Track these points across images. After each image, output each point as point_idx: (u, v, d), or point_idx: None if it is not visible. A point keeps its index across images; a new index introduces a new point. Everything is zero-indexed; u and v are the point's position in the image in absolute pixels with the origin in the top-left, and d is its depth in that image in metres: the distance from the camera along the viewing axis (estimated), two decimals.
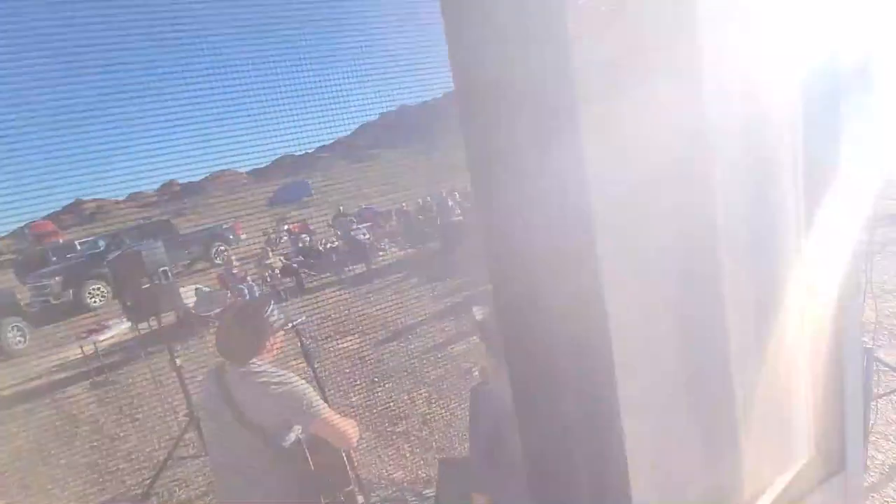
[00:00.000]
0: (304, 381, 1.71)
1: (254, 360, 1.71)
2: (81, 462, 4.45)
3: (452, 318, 6.20)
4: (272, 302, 1.82)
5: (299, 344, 2.18)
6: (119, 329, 6.75)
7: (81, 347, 6.66)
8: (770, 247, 0.60)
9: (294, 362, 3.48)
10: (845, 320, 0.66)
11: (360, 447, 3.76)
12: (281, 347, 1.84)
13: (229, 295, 8.56)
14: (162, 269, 3.52)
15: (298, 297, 8.98)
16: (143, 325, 3.25)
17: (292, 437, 1.73)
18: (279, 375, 1.67)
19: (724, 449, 0.58)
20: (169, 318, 8.75)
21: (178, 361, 3.75)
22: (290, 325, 1.86)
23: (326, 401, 2.35)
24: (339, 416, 1.71)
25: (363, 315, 7.09)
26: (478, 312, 1.75)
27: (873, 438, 2.71)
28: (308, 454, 1.70)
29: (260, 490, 1.64)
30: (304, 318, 2.45)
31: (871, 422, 2.75)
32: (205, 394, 1.77)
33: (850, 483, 0.67)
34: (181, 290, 8.18)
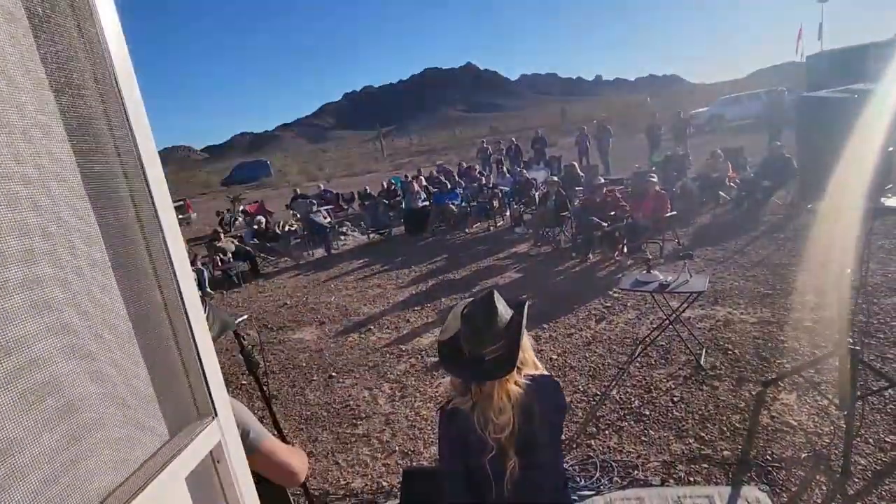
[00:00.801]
0: (239, 405, 1.36)
1: None
2: None
3: (417, 308, 5.90)
4: (205, 306, 1.42)
5: (239, 349, 1.79)
6: None
7: None
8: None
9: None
10: None
11: (316, 451, 3.43)
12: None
13: None
14: None
15: (252, 282, 8.43)
16: None
17: None
18: None
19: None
20: None
21: None
22: (226, 331, 1.46)
23: (274, 421, 2.01)
24: (283, 446, 1.38)
25: (322, 303, 6.68)
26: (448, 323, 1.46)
27: (856, 442, 2.62)
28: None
29: None
30: (245, 316, 2.06)
31: (858, 425, 2.66)
32: None
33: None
34: None
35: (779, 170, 7.47)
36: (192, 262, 8.04)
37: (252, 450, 1.27)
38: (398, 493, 2.71)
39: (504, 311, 1.38)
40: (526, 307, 1.44)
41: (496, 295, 1.41)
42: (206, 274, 8.05)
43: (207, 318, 1.35)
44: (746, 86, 38.60)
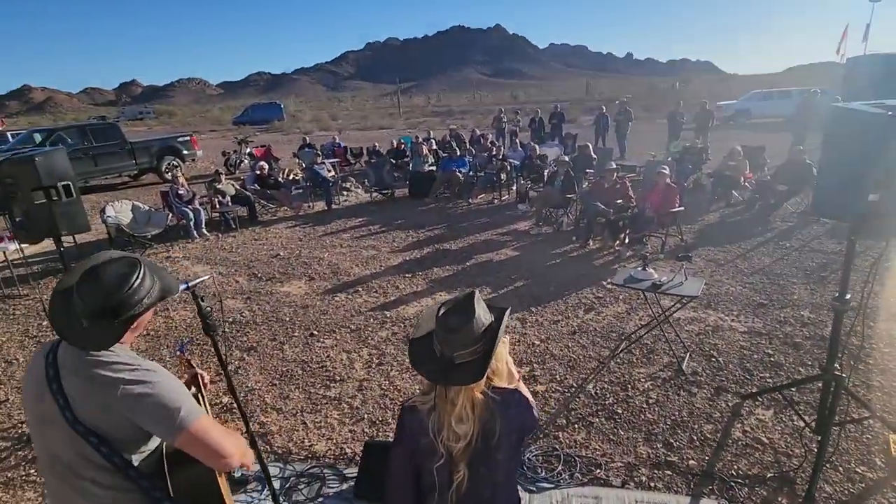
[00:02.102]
0: (171, 379, 1.28)
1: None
2: None
3: (409, 276, 5.83)
4: (141, 269, 1.27)
5: (197, 310, 1.71)
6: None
7: None
8: None
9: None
10: None
11: (285, 409, 3.43)
12: (143, 326, 1.37)
13: (170, 216, 7.85)
14: (63, 183, 2.91)
15: (249, 228, 8.36)
16: (36, 246, 2.72)
17: (146, 451, 1.32)
18: (134, 369, 1.23)
19: None
20: (97, 236, 7.99)
21: None
22: (167, 296, 1.34)
23: (230, 386, 1.95)
24: (218, 427, 1.29)
25: (314, 258, 6.62)
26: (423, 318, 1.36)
27: (825, 468, 2.58)
28: (168, 475, 1.29)
29: None
30: (206, 277, 1.96)
31: (831, 451, 2.61)
32: (29, 368, 1.31)
33: None
34: (115, 204, 7.42)
35: (797, 176, 7.22)
36: (190, 202, 7.95)
37: (180, 429, 1.20)
38: (359, 462, 2.72)
39: (483, 315, 1.28)
40: (507, 315, 1.35)
41: (477, 296, 1.31)
42: (202, 215, 7.97)
43: (144, 282, 1.25)
44: (780, 82, 37.27)
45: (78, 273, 1.25)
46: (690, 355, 3.79)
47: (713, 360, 3.73)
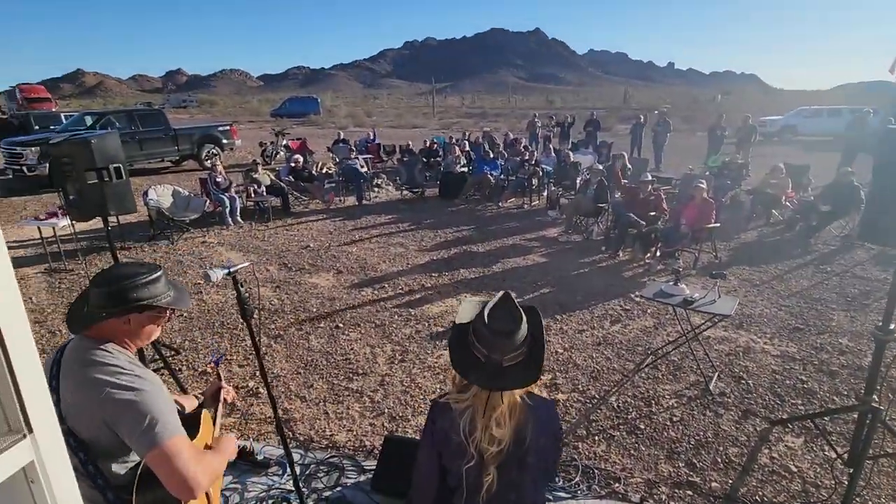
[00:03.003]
0: (159, 392, 1.27)
1: (104, 343, 1.28)
2: None
3: (435, 275, 5.86)
4: (157, 273, 1.34)
5: (236, 295, 1.78)
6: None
7: (39, 229, 6.23)
8: None
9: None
10: None
11: (309, 397, 3.50)
12: (146, 335, 1.39)
13: (207, 203, 8.10)
14: (114, 165, 3.05)
15: (281, 219, 8.55)
16: (84, 223, 2.87)
17: (129, 462, 1.28)
18: (125, 374, 1.22)
19: None
20: (138, 217, 8.31)
21: None
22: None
23: (261, 368, 1.99)
24: (193, 452, 1.22)
25: (343, 252, 6.73)
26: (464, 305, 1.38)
27: (855, 502, 2.48)
28: (135, 492, 1.25)
29: None
30: (246, 263, 2.03)
31: (862, 485, 2.51)
32: (46, 359, 1.33)
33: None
34: (158, 188, 7.70)
35: (843, 198, 6.94)
36: (227, 189, 8.19)
37: (152, 444, 1.16)
38: (377, 455, 2.76)
39: (523, 314, 1.29)
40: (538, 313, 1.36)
41: (514, 297, 1.32)
42: (238, 203, 8.20)
43: (154, 284, 1.32)
44: (829, 99, 35.86)
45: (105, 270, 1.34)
46: (719, 375, 3.70)
47: (742, 382, 3.63)
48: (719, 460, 2.85)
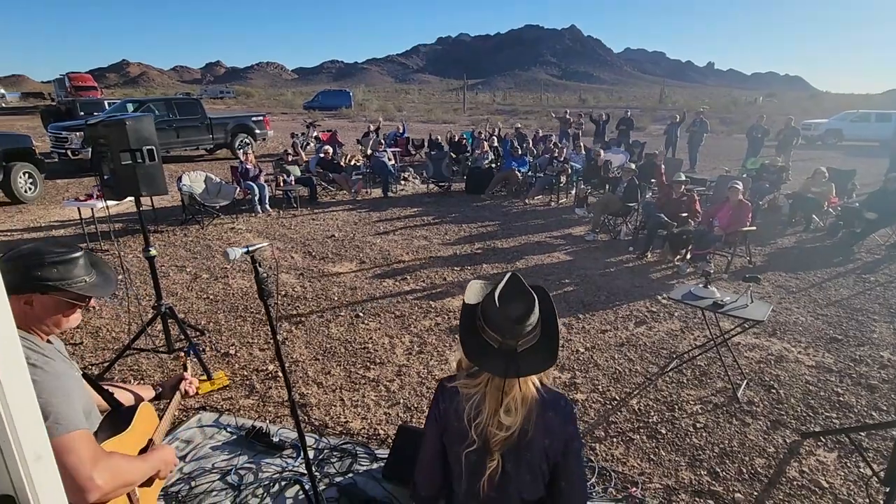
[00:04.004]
0: (60, 383, 1.17)
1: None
2: None
3: (457, 269, 5.83)
4: (72, 254, 1.22)
5: (254, 273, 1.78)
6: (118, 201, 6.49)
7: (79, 209, 6.48)
8: None
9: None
10: None
11: (326, 384, 3.52)
12: (52, 322, 1.27)
13: (238, 190, 8.27)
14: (147, 147, 3.13)
15: (308, 208, 8.66)
16: (116, 202, 2.93)
17: None
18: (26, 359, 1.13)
19: None
20: (172, 202, 8.54)
21: (152, 251, 3.46)
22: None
23: (277, 350, 1.98)
24: (92, 450, 1.12)
25: (367, 243, 6.76)
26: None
27: None
28: None
29: None
30: (266, 244, 2.04)
31: None
32: None
33: None
34: (191, 174, 7.89)
35: (890, 205, 6.57)
36: (256, 178, 8.35)
37: (51, 435, 1.04)
38: (390, 444, 2.75)
39: (536, 296, 1.24)
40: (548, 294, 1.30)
41: (521, 278, 1.27)
42: (267, 191, 8.34)
43: (64, 265, 1.20)
44: (879, 104, 34.11)
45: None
46: (748, 383, 3.55)
47: (773, 391, 3.47)
48: (744, 471, 2.73)
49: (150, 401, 1.69)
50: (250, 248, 1.79)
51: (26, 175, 8.96)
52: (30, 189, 9.04)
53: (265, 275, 1.79)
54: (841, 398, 3.41)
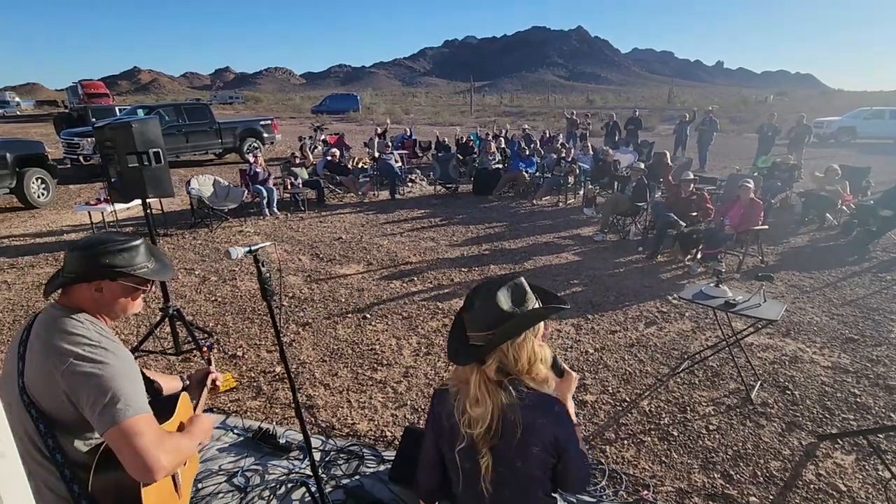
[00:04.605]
0: (127, 368, 1.20)
1: (75, 311, 1.23)
2: None
3: (465, 270, 5.80)
4: (136, 243, 1.30)
5: (257, 273, 1.77)
6: (130, 203, 6.55)
7: (90, 214, 6.54)
8: None
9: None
10: None
11: (333, 385, 3.51)
12: (119, 307, 1.33)
13: (246, 193, 8.31)
14: (153, 150, 3.14)
15: (316, 210, 8.69)
16: (123, 205, 2.96)
17: (93, 441, 1.22)
18: (93, 346, 1.16)
19: None
20: (181, 205, 8.61)
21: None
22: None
23: (281, 351, 1.98)
24: (156, 434, 1.15)
25: (374, 244, 6.76)
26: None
27: None
28: (93, 471, 1.18)
29: (30, 479, 1.18)
30: (268, 243, 2.03)
31: None
32: (19, 330, 1.29)
33: None
34: (199, 177, 7.94)
35: None
36: (265, 182, 8.38)
37: (112, 421, 1.10)
38: (397, 446, 2.72)
39: (509, 301, 1.22)
40: (546, 310, 1.28)
41: (517, 283, 1.26)
42: (275, 194, 8.37)
43: (130, 252, 1.28)
44: (893, 101, 33.58)
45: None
46: (761, 384, 3.48)
47: (788, 392, 3.40)
48: (759, 474, 2.67)
49: None
50: (252, 248, 1.77)
51: (39, 181, 9.09)
52: (42, 194, 9.16)
53: (268, 274, 1.78)
54: (858, 399, 3.32)
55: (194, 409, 1.65)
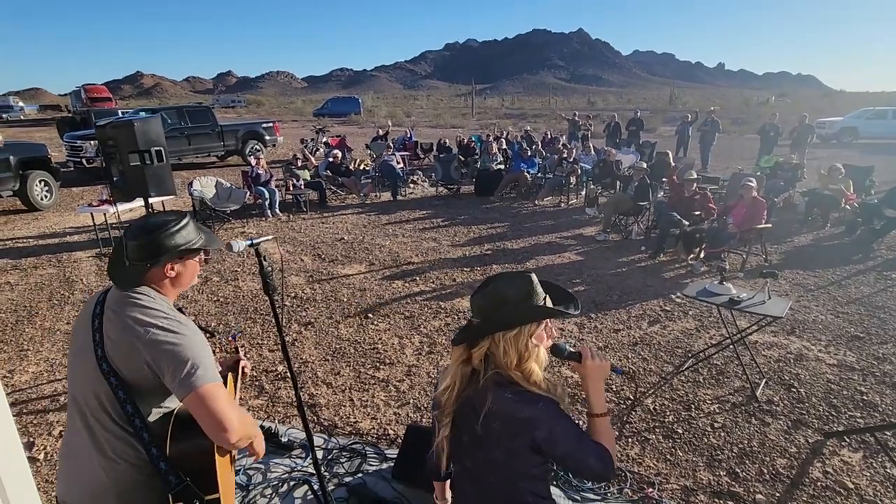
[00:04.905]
0: (200, 339, 1.29)
1: (142, 287, 1.32)
2: (63, 329, 4.37)
3: (467, 269, 5.79)
4: (185, 220, 1.38)
5: (259, 269, 1.76)
6: (132, 205, 6.55)
7: (92, 216, 6.55)
8: None
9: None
10: None
11: (335, 384, 3.50)
12: (187, 280, 1.43)
13: (248, 195, 8.32)
14: (155, 149, 3.14)
15: (318, 211, 8.69)
16: (126, 206, 2.96)
17: (163, 409, 1.32)
18: (168, 318, 1.26)
19: None
20: (183, 206, 8.62)
21: None
22: (211, 248, 1.41)
23: (283, 345, 2.00)
24: (230, 401, 1.26)
25: (376, 245, 6.75)
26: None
27: None
28: (170, 435, 1.27)
29: (94, 458, 1.26)
30: (270, 237, 2.02)
31: None
32: (84, 306, 1.38)
33: None
34: (202, 179, 7.96)
35: None
36: (267, 183, 8.39)
37: (192, 386, 1.19)
38: (400, 444, 2.71)
39: (514, 292, 1.23)
40: (546, 310, 1.27)
41: (524, 278, 1.26)
42: (277, 196, 8.38)
43: (184, 230, 1.36)
44: (895, 101, 33.46)
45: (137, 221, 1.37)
46: (767, 382, 3.45)
47: (793, 390, 3.37)
48: (765, 471, 2.64)
49: None
50: (254, 241, 1.77)
51: (42, 183, 9.12)
52: (45, 197, 9.19)
53: (270, 268, 1.77)
54: (865, 397, 3.29)
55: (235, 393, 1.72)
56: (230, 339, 1.93)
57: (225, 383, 1.70)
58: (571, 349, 1.34)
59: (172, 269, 1.35)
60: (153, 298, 1.30)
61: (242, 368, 1.78)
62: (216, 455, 1.30)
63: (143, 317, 1.24)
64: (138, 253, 1.30)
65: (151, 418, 1.29)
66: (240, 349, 1.87)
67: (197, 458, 1.28)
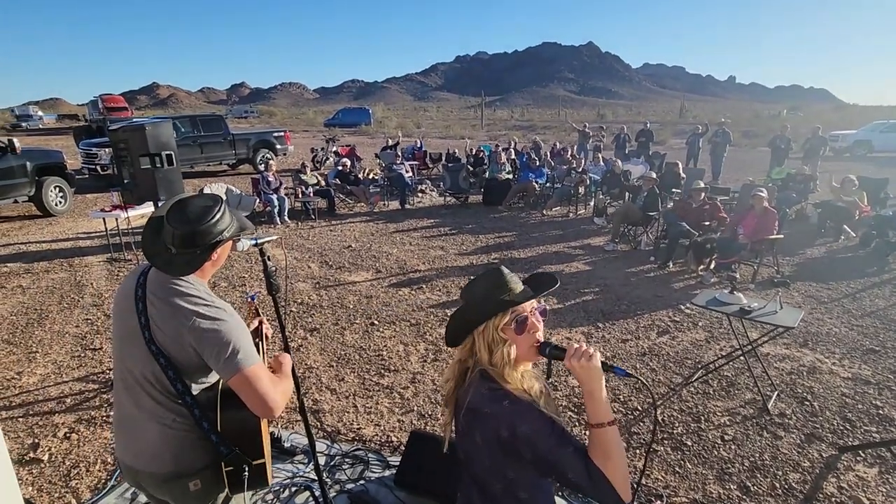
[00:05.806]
0: (239, 322, 1.36)
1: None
2: (72, 332, 4.40)
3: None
4: (222, 205, 1.41)
5: (263, 268, 1.76)
6: (144, 210, 6.63)
7: (104, 220, 6.63)
8: None
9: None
10: None
11: (339, 390, 3.48)
12: (223, 261, 1.50)
13: (258, 202, 8.39)
14: (166, 152, 3.18)
15: (326, 219, 8.73)
16: (137, 212, 3.01)
17: (206, 383, 1.42)
18: (209, 305, 1.33)
19: None
20: None
21: None
22: (246, 239, 1.45)
23: (286, 347, 2.01)
24: (270, 377, 1.36)
25: (383, 253, 6.75)
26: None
27: None
28: (220, 411, 1.38)
29: (150, 425, 1.36)
30: (275, 237, 2.03)
31: None
32: (121, 287, 1.44)
33: None
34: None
35: None
36: (277, 190, 8.46)
37: (236, 369, 1.27)
38: (403, 451, 2.67)
39: (482, 289, 1.22)
40: (497, 302, 1.18)
41: (492, 272, 1.24)
42: (286, 203, 8.44)
43: (224, 216, 1.38)
44: None
45: (168, 206, 1.39)
46: (779, 395, 3.37)
47: (806, 403, 3.29)
48: (777, 486, 2.57)
49: None
50: (258, 241, 1.77)
51: (57, 189, 9.27)
52: (60, 202, 9.34)
53: (274, 268, 1.77)
54: (881, 411, 3.21)
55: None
56: (249, 300, 1.96)
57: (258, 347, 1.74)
58: (556, 345, 1.17)
59: (215, 253, 1.41)
60: (193, 284, 1.36)
61: (265, 331, 1.86)
62: (262, 428, 1.44)
63: (187, 304, 1.31)
64: (185, 242, 1.33)
65: (198, 391, 1.39)
66: (260, 311, 1.93)
67: (246, 432, 1.40)
